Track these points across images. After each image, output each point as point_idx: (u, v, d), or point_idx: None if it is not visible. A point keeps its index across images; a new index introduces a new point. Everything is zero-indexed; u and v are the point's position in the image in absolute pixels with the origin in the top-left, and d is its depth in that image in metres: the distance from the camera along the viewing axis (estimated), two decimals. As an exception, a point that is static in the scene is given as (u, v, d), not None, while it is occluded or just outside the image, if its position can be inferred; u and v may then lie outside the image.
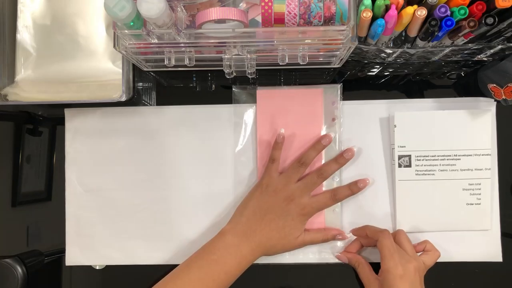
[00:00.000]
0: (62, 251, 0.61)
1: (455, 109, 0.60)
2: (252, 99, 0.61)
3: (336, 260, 0.60)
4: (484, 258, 0.60)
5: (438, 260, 0.59)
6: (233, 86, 0.62)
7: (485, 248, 0.60)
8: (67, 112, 0.63)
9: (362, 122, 0.61)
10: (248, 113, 0.62)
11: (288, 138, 0.60)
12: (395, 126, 0.60)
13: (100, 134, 0.62)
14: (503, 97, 0.57)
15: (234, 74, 0.54)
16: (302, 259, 0.60)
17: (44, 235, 0.63)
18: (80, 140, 0.62)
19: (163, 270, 0.59)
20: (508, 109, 0.61)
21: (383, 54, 0.56)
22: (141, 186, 0.62)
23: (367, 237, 0.58)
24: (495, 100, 0.60)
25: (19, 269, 0.56)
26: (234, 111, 0.62)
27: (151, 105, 0.63)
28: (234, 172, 0.61)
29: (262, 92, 0.61)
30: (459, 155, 0.59)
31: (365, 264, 0.57)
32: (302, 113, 0.60)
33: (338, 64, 0.56)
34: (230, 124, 0.62)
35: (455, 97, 0.62)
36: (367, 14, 0.46)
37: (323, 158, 0.60)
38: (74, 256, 0.61)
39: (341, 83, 0.61)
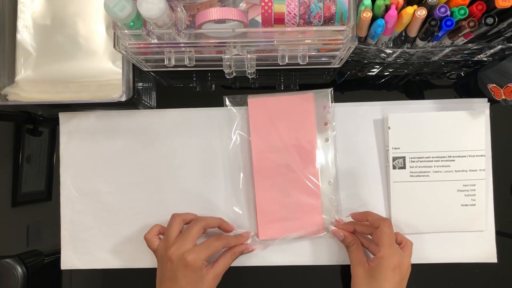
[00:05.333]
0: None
1: (449, 110, 0.60)
2: (245, 107, 0.61)
3: (332, 263, 0.60)
4: (479, 259, 0.60)
5: (433, 262, 0.60)
6: (224, 97, 0.61)
7: (480, 249, 0.60)
8: (62, 116, 0.62)
9: (356, 124, 0.61)
10: (244, 117, 0.61)
11: (281, 144, 0.60)
12: (389, 128, 0.60)
13: (94, 137, 0.62)
14: (503, 97, 0.57)
15: (234, 74, 0.54)
16: (302, 261, 0.60)
17: (44, 235, 0.63)
18: (75, 144, 0.62)
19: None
20: (503, 110, 0.61)
21: (383, 54, 0.56)
22: (136, 189, 0.62)
23: (364, 225, 0.57)
24: (495, 101, 0.60)
25: (19, 269, 0.56)
26: (230, 115, 0.61)
27: (151, 105, 0.63)
28: (229, 175, 0.61)
29: (253, 101, 0.61)
30: (453, 156, 0.59)
31: (360, 245, 0.56)
32: (294, 118, 0.60)
33: (338, 64, 0.56)
34: (226, 127, 0.61)
35: (454, 97, 0.62)
36: (367, 14, 0.46)
37: (317, 160, 0.60)
38: (70, 260, 0.61)
39: (332, 87, 0.61)
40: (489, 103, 0.60)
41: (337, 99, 0.61)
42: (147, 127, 0.62)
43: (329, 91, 0.61)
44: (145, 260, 0.60)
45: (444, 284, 0.60)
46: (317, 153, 0.60)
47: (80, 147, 0.62)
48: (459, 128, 0.59)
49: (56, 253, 0.62)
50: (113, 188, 0.62)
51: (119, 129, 0.62)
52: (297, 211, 0.59)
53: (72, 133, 0.62)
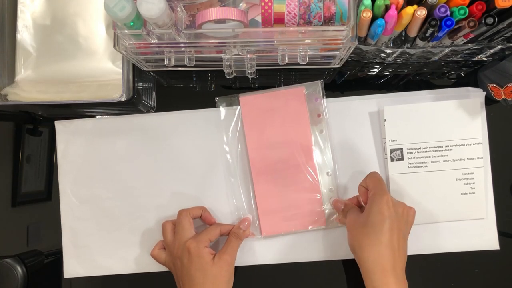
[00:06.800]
0: (62, 251, 0.61)
1: (445, 100, 0.60)
2: (239, 106, 0.61)
3: (333, 258, 0.60)
4: (481, 247, 0.60)
5: (436, 252, 0.60)
6: (216, 98, 0.61)
7: (482, 237, 0.60)
8: (58, 124, 0.62)
9: (352, 118, 0.61)
10: (238, 116, 0.61)
11: (277, 140, 0.60)
12: (385, 120, 0.60)
13: (91, 144, 0.62)
14: (503, 97, 0.57)
15: (234, 74, 0.54)
16: (304, 258, 0.60)
17: (44, 235, 0.63)
18: (72, 151, 0.62)
19: (161, 278, 0.59)
20: (503, 110, 0.61)
21: (383, 54, 0.56)
22: (136, 193, 0.61)
23: (365, 193, 0.55)
24: (495, 101, 0.60)
25: (19, 269, 0.56)
26: (226, 115, 0.61)
27: (151, 105, 0.63)
28: (229, 175, 0.61)
29: (244, 99, 0.61)
30: (450, 146, 0.59)
31: (358, 208, 0.56)
32: (288, 113, 0.60)
33: (338, 64, 0.56)
34: (224, 127, 0.61)
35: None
36: (367, 14, 0.46)
37: (313, 152, 0.60)
38: (73, 268, 0.61)
39: (322, 80, 0.61)
40: (484, 92, 0.60)
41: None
42: (144, 131, 0.62)
43: (319, 83, 0.61)
44: (148, 264, 0.60)
45: (448, 274, 0.60)
46: (313, 145, 0.60)
47: (77, 154, 0.62)
48: (455, 117, 0.59)
49: (56, 253, 0.62)
50: (112, 194, 0.61)
51: (116, 134, 0.62)
52: (298, 204, 0.60)
53: (69, 140, 0.62)
